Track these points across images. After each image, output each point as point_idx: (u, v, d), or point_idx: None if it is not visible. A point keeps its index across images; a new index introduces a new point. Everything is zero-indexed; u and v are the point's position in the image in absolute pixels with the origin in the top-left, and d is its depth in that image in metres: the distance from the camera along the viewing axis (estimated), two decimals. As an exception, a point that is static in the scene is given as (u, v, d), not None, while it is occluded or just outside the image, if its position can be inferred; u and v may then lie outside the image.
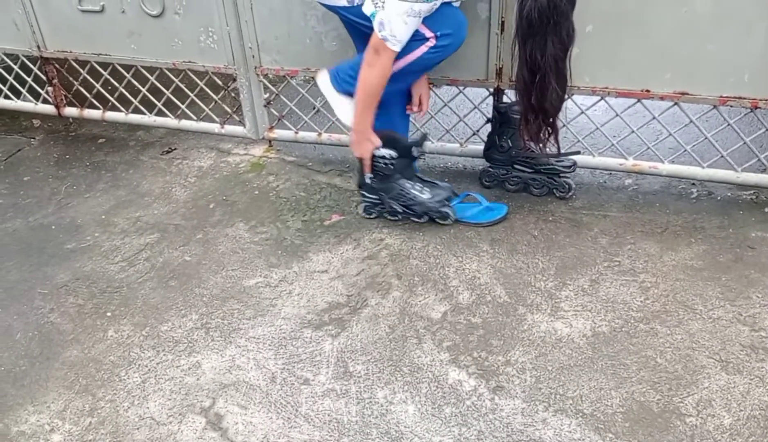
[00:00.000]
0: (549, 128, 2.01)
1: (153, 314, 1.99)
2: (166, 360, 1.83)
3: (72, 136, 3.15)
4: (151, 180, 2.71)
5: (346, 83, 2.10)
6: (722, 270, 1.98)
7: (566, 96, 1.96)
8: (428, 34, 1.93)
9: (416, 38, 1.94)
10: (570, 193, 2.32)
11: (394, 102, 2.22)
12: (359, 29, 2.02)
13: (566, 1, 1.75)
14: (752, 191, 2.32)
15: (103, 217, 2.49)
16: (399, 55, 1.96)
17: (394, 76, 2.00)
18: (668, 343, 1.75)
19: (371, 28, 1.91)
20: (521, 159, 2.31)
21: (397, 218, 2.32)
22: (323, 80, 2.17)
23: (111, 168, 2.83)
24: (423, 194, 2.23)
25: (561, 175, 2.31)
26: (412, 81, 2.16)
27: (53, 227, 2.45)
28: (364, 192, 2.31)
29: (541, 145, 2.05)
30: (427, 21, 1.91)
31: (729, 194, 2.34)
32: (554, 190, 2.33)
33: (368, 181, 2.24)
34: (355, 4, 1.94)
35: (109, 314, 2.01)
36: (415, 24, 1.84)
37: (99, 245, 2.33)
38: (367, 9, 1.87)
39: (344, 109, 2.15)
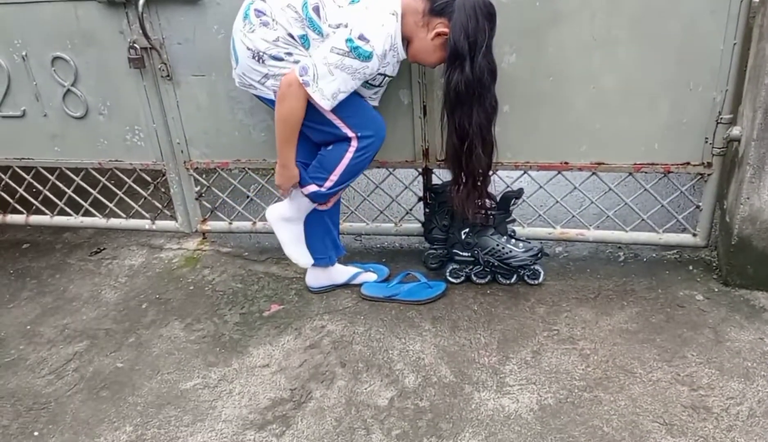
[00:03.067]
0: (478, 193, 2.09)
1: (84, 430, 1.87)
2: (98, 480, 1.71)
3: (-7, 243, 3.02)
4: (78, 284, 2.61)
5: (314, 176, 2.10)
6: (656, 331, 2.04)
7: (493, 161, 2.06)
8: (350, 133, 2.00)
9: (339, 138, 2.01)
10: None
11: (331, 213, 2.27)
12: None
13: (488, 76, 1.90)
14: (675, 251, 2.43)
15: (29, 327, 2.36)
16: (330, 168, 2.04)
17: (332, 193, 2.08)
18: (613, 410, 1.76)
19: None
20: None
21: (484, 281, 2.32)
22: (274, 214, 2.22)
23: (36, 274, 2.71)
24: (518, 248, 2.24)
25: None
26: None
27: (-27, 343, 2.31)
28: (456, 250, 2.31)
29: (472, 209, 2.12)
30: (348, 120, 1.98)
31: (654, 255, 2.43)
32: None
33: (463, 236, 2.26)
34: None
35: (36, 433, 1.87)
36: (342, 82, 1.86)
37: (24, 358, 2.20)
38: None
39: (295, 249, 2.23)
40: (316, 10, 1.87)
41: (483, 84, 1.90)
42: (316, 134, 2.04)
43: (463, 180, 2.06)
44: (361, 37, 1.80)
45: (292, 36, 1.90)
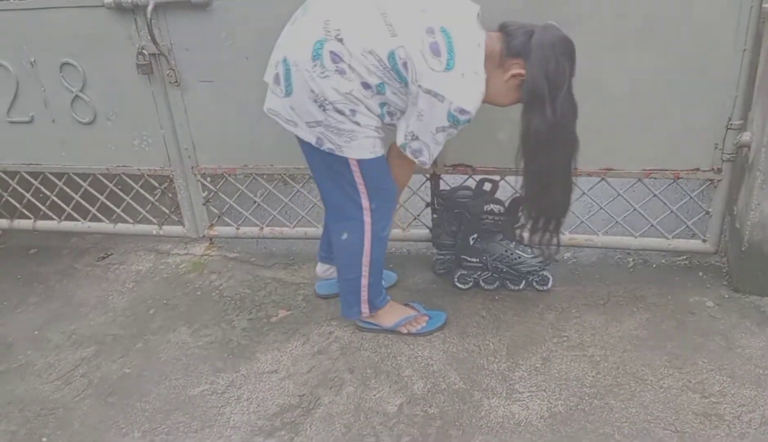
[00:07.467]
0: (553, 231, 1.99)
1: (92, 436, 1.86)
2: (107, 487, 1.70)
3: (1, 248, 3.02)
4: (86, 289, 2.61)
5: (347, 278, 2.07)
6: (666, 338, 2.03)
7: (572, 201, 1.95)
8: (364, 202, 1.93)
9: (349, 204, 1.94)
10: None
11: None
12: (321, 168, 1.96)
13: (570, 118, 1.79)
14: (685, 257, 2.42)
15: (36, 332, 2.36)
16: (356, 255, 2.00)
17: (371, 272, 2.04)
18: (624, 417, 1.75)
19: (332, 169, 1.91)
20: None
21: (492, 287, 2.32)
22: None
23: (43, 279, 2.71)
24: (526, 253, 2.24)
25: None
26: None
27: (-20, 348, 2.31)
28: (464, 256, 2.30)
29: (545, 247, 2.02)
30: (369, 182, 1.91)
31: (663, 261, 2.42)
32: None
33: (471, 242, 2.26)
34: (323, 148, 1.84)
35: (44, 439, 1.87)
36: (444, 138, 1.83)
37: (32, 363, 2.20)
38: (399, 140, 1.85)
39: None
40: (405, 65, 1.73)
41: (565, 127, 1.78)
42: (331, 187, 1.96)
43: (541, 223, 1.96)
44: (462, 111, 1.72)
45: (367, 85, 1.75)
